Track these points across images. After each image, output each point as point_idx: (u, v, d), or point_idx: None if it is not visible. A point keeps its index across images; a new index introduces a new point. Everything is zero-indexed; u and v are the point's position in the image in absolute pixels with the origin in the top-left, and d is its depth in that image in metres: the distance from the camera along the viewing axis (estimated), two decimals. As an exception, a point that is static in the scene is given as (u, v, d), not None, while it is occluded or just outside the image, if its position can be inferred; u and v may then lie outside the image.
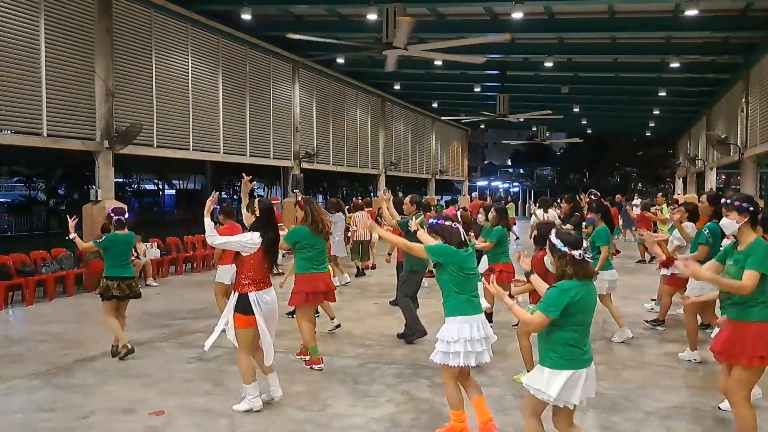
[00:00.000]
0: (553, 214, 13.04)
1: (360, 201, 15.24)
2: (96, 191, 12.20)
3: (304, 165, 19.22)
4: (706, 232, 6.22)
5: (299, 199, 6.68)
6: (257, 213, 5.02)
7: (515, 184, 58.03)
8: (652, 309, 8.91)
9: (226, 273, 7.52)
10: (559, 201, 14.61)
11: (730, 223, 4.16)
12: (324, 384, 5.81)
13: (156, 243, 13.24)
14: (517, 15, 13.56)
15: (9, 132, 10.94)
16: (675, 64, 17.81)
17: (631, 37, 16.63)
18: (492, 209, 7.87)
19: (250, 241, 4.87)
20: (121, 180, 27.03)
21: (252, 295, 4.87)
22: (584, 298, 3.56)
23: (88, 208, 12.28)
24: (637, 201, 23.47)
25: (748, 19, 14.28)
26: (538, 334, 3.68)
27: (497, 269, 7.27)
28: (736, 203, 4.13)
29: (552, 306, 3.51)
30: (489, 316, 8.03)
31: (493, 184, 52.67)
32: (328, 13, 15.24)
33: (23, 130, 10.85)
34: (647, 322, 8.26)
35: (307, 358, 6.31)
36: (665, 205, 15.29)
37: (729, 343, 4.07)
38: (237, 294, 4.93)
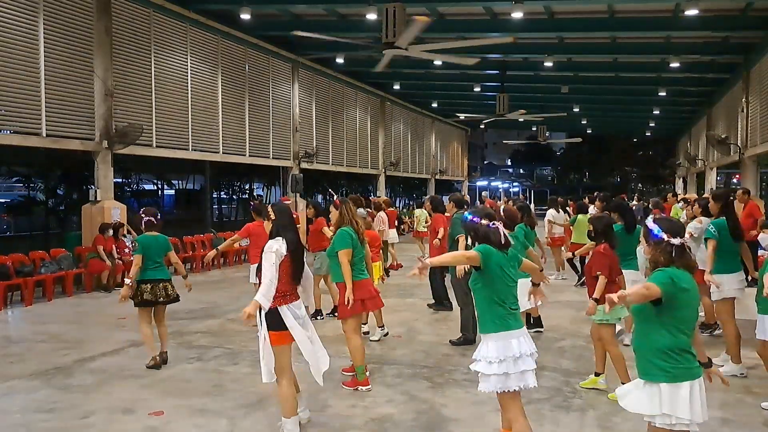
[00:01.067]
0: (560, 215, 12.98)
1: (380, 200, 15.19)
2: (95, 191, 12.18)
3: (304, 165, 19.20)
4: (711, 228, 6.24)
5: (334, 199, 6.23)
6: (272, 216, 4.59)
7: (515, 184, 58.11)
8: None
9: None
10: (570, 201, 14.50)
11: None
12: (324, 384, 5.77)
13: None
14: (517, 15, 13.56)
15: (8, 132, 10.92)
16: (675, 64, 17.81)
17: (631, 37, 16.62)
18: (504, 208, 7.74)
19: (278, 249, 4.40)
20: (120, 180, 26.97)
21: (283, 309, 4.40)
22: (691, 289, 3.15)
23: (88, 208, 12.27)
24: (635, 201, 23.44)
25: (748, 19, 14.27)
26: (643, 344, 3.21)
27: None
28: None
29: (663, 279, 3.07)
30: (538, 320, 7.77)
31: (493, 184, 52.69)
32: (327, 13, 15.22)
33: (22, 130, 10.83)
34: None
35: (351, 375, 5.80)
36: (677, 204, 15.15)
37: None
38: (264, 312, 4.38)
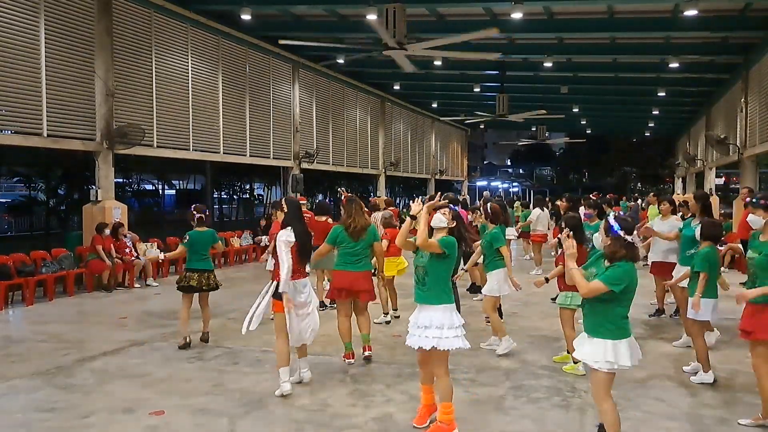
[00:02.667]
0: (544, 214, 13.83)
1: (384, 199, 15.31)
2: (96, 191, 12.21)
3: (304, 165, 19.23)
4: (680, 225, 7.49)
5: (342, 198, 6.90)
6: (284, 208, 5.42)
7: (515, 184, 58.13)
8: None
9: None
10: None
11: (757, 219, 4.90)
12: (324, 384, 5.81)
13: (156, 243, 13.25)
14: (517, 15, 13.54)
15: (9, 132, 10.95)
16: (674, 64, 17.81)
17: (630, 37, 16.63)
18: (489, 204, 7.73)
19: (287, 238, 5.23)
20: (121, 180, 27.00)
21: (288, 283, 5.18)
22: (635, 278, 3.99)
23: (89, 208, 12.30)
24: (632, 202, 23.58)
25: (747, 19, 14.28)
26: (594, 310, 4.00)
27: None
28: (762, 202, 4.88)
29: (617, 281, 3.89)
30: (475, 286, 8.83)
31: (493, 184, 52.72)
32: (327, 14, 15.24)
33: (23, 130, 10.86)
34: (650, 316, 8.71)
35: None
36: (656, 205, 15.30)
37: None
38: (275, 282, 5.30)
